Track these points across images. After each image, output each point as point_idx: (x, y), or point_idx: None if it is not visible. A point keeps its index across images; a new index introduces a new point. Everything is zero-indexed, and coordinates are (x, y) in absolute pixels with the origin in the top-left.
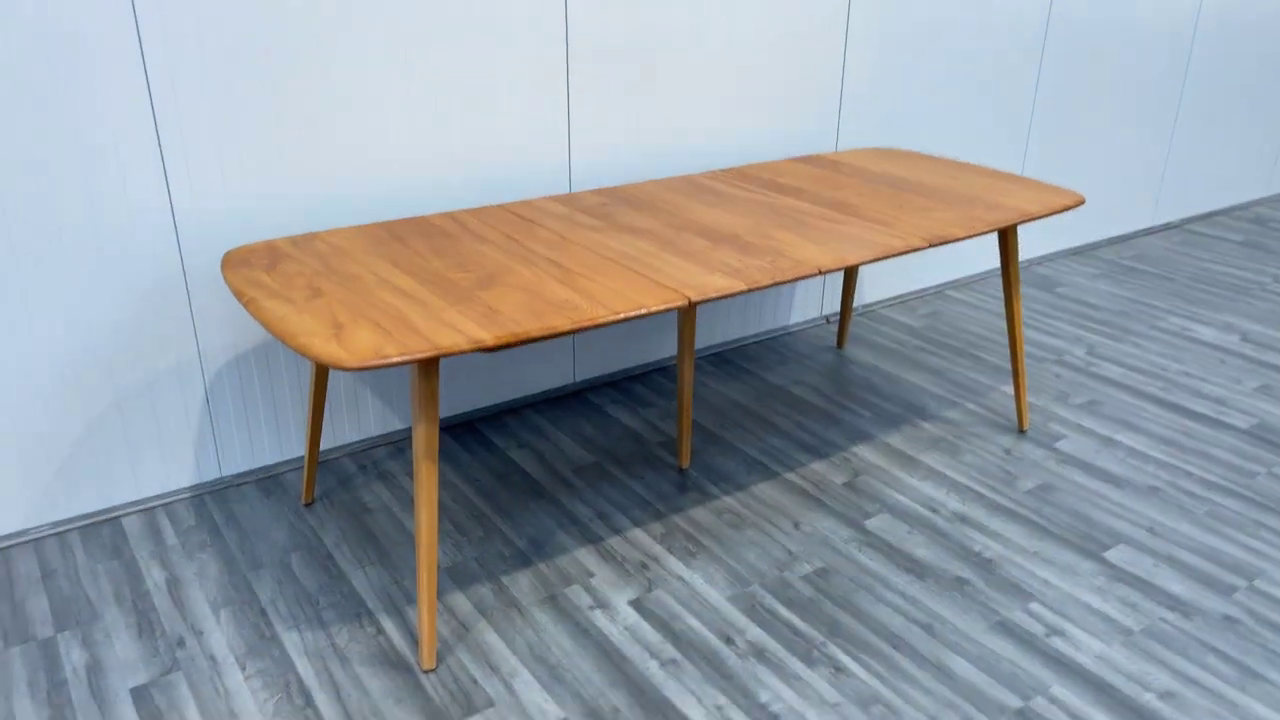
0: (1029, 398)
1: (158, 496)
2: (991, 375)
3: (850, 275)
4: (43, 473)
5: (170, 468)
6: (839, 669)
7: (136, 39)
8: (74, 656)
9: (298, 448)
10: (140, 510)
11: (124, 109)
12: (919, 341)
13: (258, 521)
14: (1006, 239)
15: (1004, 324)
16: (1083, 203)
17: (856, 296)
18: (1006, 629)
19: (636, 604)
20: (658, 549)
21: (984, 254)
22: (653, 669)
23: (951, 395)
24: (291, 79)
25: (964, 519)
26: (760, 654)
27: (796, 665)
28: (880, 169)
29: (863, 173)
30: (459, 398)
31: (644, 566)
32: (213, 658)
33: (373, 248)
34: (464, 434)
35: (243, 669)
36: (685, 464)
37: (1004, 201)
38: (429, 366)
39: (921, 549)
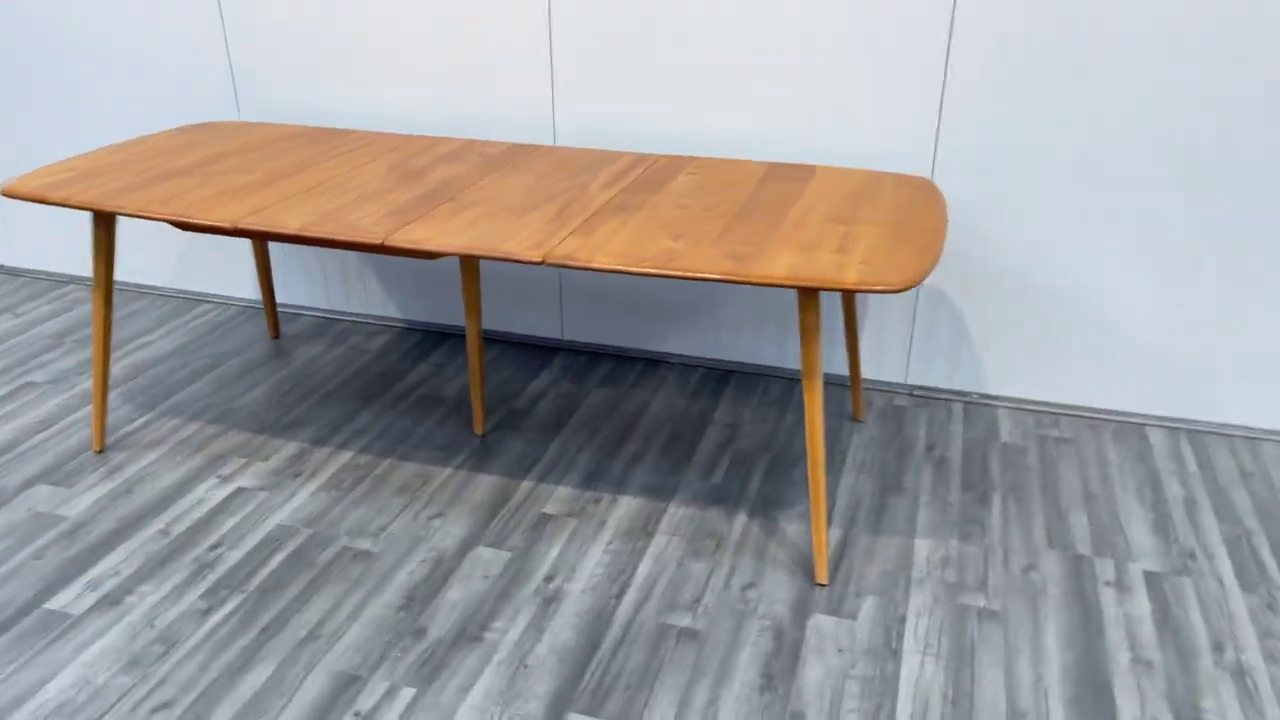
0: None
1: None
2: (1027, 524)
3: (851, 336)
4: None
5: None
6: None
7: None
8: None
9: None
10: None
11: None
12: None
13: None
14: (808, 306)
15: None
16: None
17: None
18: None
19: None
20: (285, 466)
21: None
22: (153, 531)
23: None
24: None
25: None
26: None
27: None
28: (853, 190)
29: (799, 191)
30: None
31: (288, 472)
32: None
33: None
34: (439, 340)
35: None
36: (479, 430)
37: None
38: (100, 221)
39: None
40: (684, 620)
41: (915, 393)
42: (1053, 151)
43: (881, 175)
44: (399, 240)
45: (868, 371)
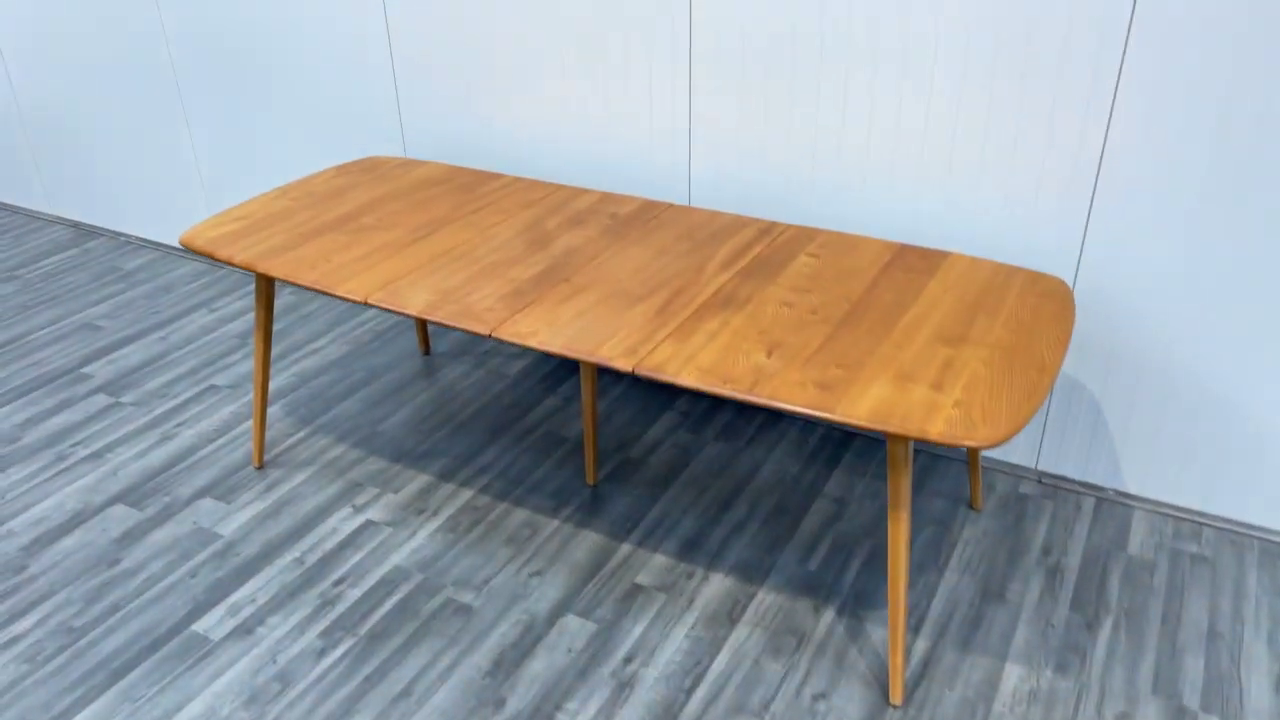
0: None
1: None
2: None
3: None
4: None
5: None
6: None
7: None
8: None
9: None
10: None
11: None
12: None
13: None
14: (896, 441)
15: None
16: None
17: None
18: None
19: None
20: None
21: None
22: (289, 560)
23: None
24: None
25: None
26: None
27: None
28: (976, 291)
29: (919, 288)
30: None
31: (413, 508)
32: None
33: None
34: (624, 382)
35: None
36: (590, 480)
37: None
38: (260, 277)
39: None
40: None
41: (1044, 480)
42: (1211, 249)
43: (1013, 272)
44: (505, 333)
45: (994, 451)
